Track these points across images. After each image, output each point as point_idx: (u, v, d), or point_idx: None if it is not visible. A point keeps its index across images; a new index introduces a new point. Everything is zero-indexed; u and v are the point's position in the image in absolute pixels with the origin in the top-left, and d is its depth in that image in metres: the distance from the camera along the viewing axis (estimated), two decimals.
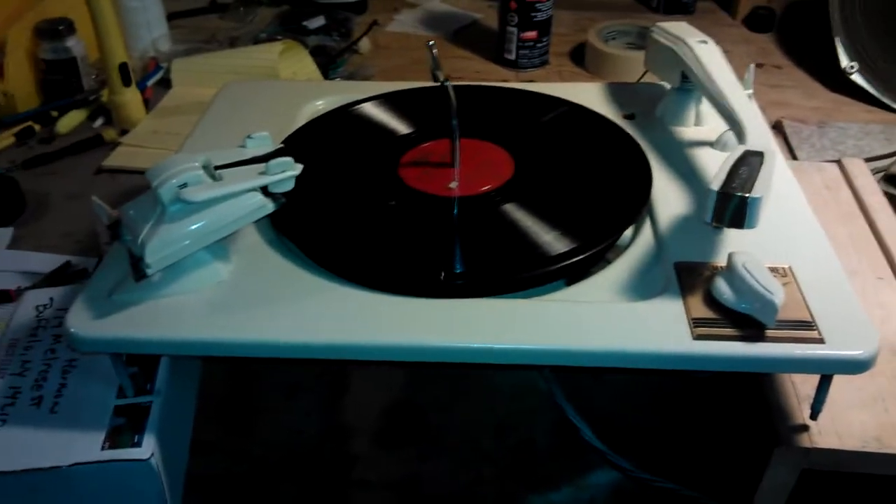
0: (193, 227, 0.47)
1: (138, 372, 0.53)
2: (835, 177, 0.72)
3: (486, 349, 0.47)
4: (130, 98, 0.93)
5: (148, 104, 0.98)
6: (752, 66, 0.62)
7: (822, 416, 0.50)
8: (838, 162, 0.74)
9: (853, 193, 0.70)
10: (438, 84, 0.56)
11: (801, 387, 0.53)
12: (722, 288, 0.47)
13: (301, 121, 0.69)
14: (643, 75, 0.89)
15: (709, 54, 0.61)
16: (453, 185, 0.58)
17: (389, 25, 1.25)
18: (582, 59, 1.14)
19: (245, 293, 0.50)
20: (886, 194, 0.71)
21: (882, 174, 0.78)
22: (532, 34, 1.08)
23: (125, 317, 0.48)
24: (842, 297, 0.49)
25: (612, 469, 0.55)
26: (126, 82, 0.92)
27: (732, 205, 0.46)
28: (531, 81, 1.05)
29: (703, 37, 0.64)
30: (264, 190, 0.49)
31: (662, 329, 0.46)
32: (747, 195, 0.45)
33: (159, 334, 0.47)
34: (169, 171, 0.47)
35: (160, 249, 0.46)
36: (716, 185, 0.46)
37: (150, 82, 1.03)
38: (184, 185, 0.47)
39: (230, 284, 0.50)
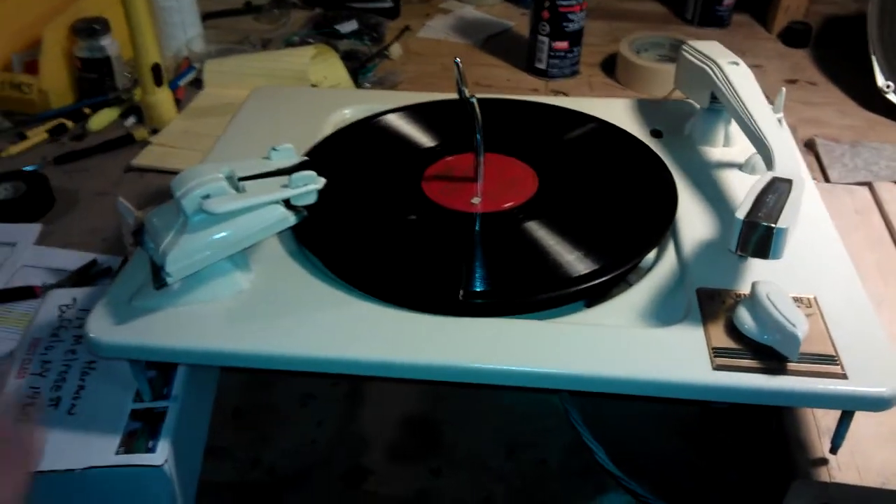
0: (215, 237, 0.47)
1: (156, 376, 0.54)
2: (866, 200, 0.71)
3: (504, 371, 0.46)
4: (162, 98, 0.94)
5: (179, 104, 0.99)
6: (784, 88, 0.61)
7: (841, 450, 0.49)
8: (869, 185, 0.73)
9: (883, 218, 0.69)
10: (464, 100, 0.55)
11: (822, 419, 0.52)
12: (744, 317, 0.47)
13: (328, 129, 0.69)
14: (672, 91, 0.88)
15: (739, 76, 0.60)
16: (476, 200, 0.58)
17: (421, 31, 1.25)
18: (613, 70, 1.13)
19: (265, 304, 0.50)
20: None
21: None
22: (564, 44, 1.08)
23: (145, 324, 0.48)
24: (867, 330, 0.48)
25: (626, 493, 0.55)
26: (158, 82, 0.93)
27: (757, 234, 0.45)
28: (561, 92, 1.05)
29: (734, 57, 0.63)
30: (287, 202, 0.50)
31: (682, 358, 0.46)
32: (773, 225, 0.45)
33: (178, 343, 0.47)
34: (193, 181, 0.47)
35: (181, 259, 0.46)
36: (741, 213, 0.46)
37: (183, 82, 1.04)
38: (207, 196, 0.47)
39: (250, 295, 0.51)
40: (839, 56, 1.18)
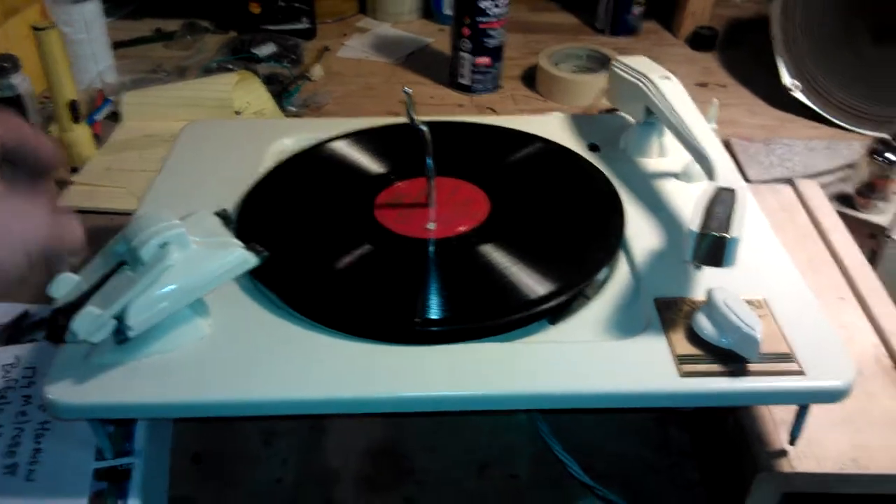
0: (176, 286, 0.46)
1: (116, 431, 0.52)
2: (790, 199, 0.75)
3: (476, 397, 0.47)
4: (80, 135, 0.91)
5: (98, 139, 0.96)
6: (716, 100, 0.63)
7: (798, 440, 0.52)
8: (791, 183, 0.77)
9: (808, 215, 0.72)
10: (416, 128, 0.56)
11: (777, 411, 0.54)
12: (703, 323, 0.49)
13: (269, 161, 0.68)
14: (596, 101, 0.91)
15: (672, 90, 0.63)
16: (431, 226, 0.58)
17: (340, 51, 1.24)
18: (533, 83, 1.15)
19: (228, 348, 0.49)
20: (839, 213, 0.74)
21: (830, 190, 0.81)
22: (485, 60, 1.09)
23: (107, 381, 0.46)
24: (816, 326, 0.50)
25: (598, 500, 0.56)
26: (76, 119, 0.90)
27: (712, 245, 0.47)
28: (490, 109, 1.06)
29: (665, 72, 0.65)
30: (246, 243, 0.49)
31: (650, 368, 0.47)
32: (726, 235, 0.47)
33: (144, 399, 0.46)
34: (149, 229, 0.46)
35: (143, 311, 0.45)
36: (695, 227, 0.48)
37: (99, 116, 1.00)
38: (165, 245, 0.46)
39: (212, 340, 0.50)
40: (744, 58, 1.24)
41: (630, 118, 0.71)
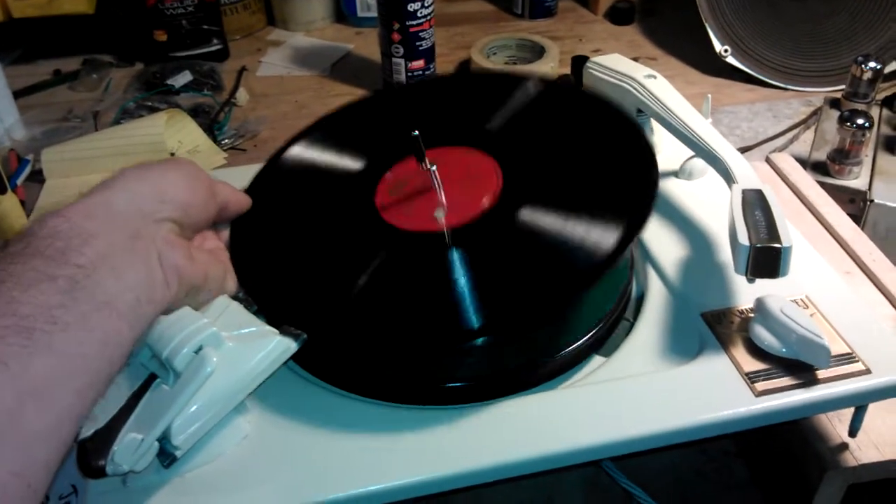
0: (219, 393, 0.41)
1: None
2: (769, 176, 0.75)
3: (550, 456, 0.44)
4: (9, 206, 0.82)
5: (23, 206, 0.87)
6: (710, 95, 0.62)
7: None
8: (767, 160, 0.77)
9: (792, 191, 0.73)
10: (425, 170, 0.52)
11: None
12: (763, 335, 0.48)
13: None
14: None
15: (663, 90, 0.61)
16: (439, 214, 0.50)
17: (259, 70, 1.18)
18: None
19: (275, 445, 0.45)
20: (818, 183, 0.74)
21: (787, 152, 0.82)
22: (420, 63, 1.06)
23: None
24: (861, 318, 0.50)
25: None
26: (2, 190, 0.81)
27: (766, 257, 0.46)
28: None
29: (648, 70, 0.64)
30: (279, 328, 0.44)
31: (723, 392, 0.46)
32: (779, 245, 0.46)
33: None
34: (178, 335, 0.41)
35: (188, 427, 0.40)
36: (744, 239, 0.46)
37: (20, 180, 0.91)
38: (200, 349, 0.41)
39: (255, 439, 0.45)
40: (664, 27, 1.25)
41: None
